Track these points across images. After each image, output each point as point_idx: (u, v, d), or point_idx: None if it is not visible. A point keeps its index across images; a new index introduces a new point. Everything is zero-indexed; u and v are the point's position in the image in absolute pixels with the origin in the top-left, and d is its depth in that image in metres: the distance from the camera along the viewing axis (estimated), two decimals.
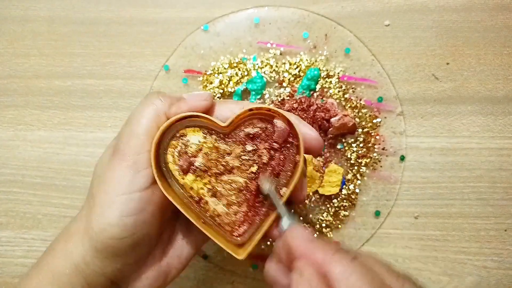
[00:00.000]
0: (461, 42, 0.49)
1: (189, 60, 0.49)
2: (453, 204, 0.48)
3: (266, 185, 0.31)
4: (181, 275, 0.49)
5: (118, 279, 0.32)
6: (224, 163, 0.32)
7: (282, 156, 0.31)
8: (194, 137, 0.31)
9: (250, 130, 0.32)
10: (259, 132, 0.32)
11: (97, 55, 0.50)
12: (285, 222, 0.29)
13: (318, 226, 0.48)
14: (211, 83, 0.48)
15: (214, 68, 0.49)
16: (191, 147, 0.31)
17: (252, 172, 0.32)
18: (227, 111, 0.32)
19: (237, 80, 0.48)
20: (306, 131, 0.31)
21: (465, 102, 0.49)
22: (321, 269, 0.24)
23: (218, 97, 0.48)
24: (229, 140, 0.32)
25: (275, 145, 0.31)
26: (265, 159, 0.31)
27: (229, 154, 0.32)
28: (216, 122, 0.31)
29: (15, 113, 0.51)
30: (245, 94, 0.49)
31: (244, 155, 0.32)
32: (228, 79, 0.48)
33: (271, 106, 0.30)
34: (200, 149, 0.31)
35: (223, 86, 0.48)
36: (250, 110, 0.30)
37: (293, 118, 0.30)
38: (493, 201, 0.48)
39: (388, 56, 0.49)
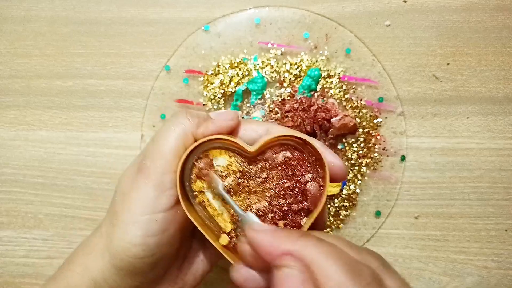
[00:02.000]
0: (461, 43, 0.49)
1: (190, 60, 0.49)
2: (454, 204, 0.48)
3: (218, 183, 0.30)
4: None
5: None
6: (247, 187, 0.31)
7: (306, 185, 0.31)
8: (220, 160, 0.31)
9: (276, 156, 0.31)
10: (286, 159, 0.31)
11: (98, 55, 0.50)
12: (245, 220, 0.29)
13: None
14: (212, 83, 0.48)
15: (215, 68, 0.49)
16: (216, 169, 0.31)
17: (274, 198, 0.31)
18: (251, 132, 0.32)
19: (238, 80, 0.48)
20: (332, 160, 0.30)
21: (465, 103, 0.49)
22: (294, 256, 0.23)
23: (218, 97, 0.48)
24: (254, 165, 0.31)
25: (300, 177, 0.31)
26: (288, 186, 0.31)
27: (253, 179, 0.31)
28: (243, 146, 0.30)
29: (16, 113, 0.51)
30: (246, 94, 0.49)
31: (268, 181, 0.31)
32: (229, 79, 0.48)
33: (299, 133, 0.30)
34: (225, 172, 0.31)
35: (223, 86, 0.48)
36: (278, 137, 0.30)
37: (320, 146, 0.29)
38: (493, 201, 0.48)
39: (389, 56, 0.49)
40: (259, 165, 0.31)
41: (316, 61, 0.48)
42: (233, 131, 0.31)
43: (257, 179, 0.31)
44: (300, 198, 0.31)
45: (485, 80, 0.49)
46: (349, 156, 0.48)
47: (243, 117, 0.48)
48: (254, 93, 0.48)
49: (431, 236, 0.49)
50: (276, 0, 0.49)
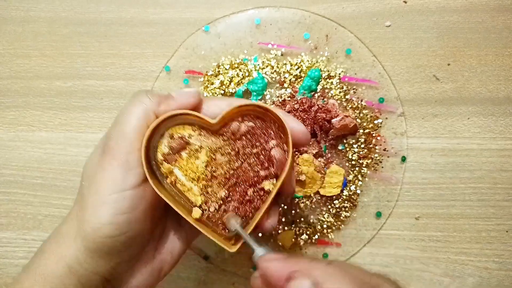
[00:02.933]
0: (462, 43, 0.49)
1: (190, 61, 0.49)
2: (454, 205, 0.48)
3: (233, 223, 0.31)
4: (182, 275, 0.49)
5: (112, 277, 0.31)
6: (214, 160, 0.32)
7: (271, 151, 0.32)
8: (184, 135, 0.31)
9: (239, 127, 0.32)
10: (249, 128, 0.32)
11: (98, 56, 0.50)
12: (258, 252, 0.29)
13: (319, 227, 0.48)
14: (212, 84, 0.48)
15: (215, 69, 0.49)
16: (189, 142, 0.31)
17: (241, 168, 0.32)
18: (214, 108, 0.32)
19: (238, 81, 0.48)
20: (294, 126, 0.31)
21: (466, 103, 0.49)
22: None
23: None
24: (219, 136, 0.32)
25: (265, 144, 0.32)
26: (254, 154, 0.32)
27: (218, 150, 0.32)
28: (206, 119, 0.30)
29: (15, 114, 0.51)
30: (246, 95, 0.49)
31: (233, 151, 0.32)
32: (229, 80, 0.48)
33: (259, 102, 0.31)
34: (190, 146, 0.32)
35: (224, 87, 0.48)
36: (239, 106, 0.31)
37: (280, 113, 0.30)
38: (494, 202, 0.48)
39: (389, 57, 0.49)
40: (224, 137, 0.32)
41: (317, 62, 0.48)
42: (195, 109, 0.32)
43: (221, 150, 0.32)
44: (266, 164, 0.32)
45: (486, 80, 0.49)
46: (350, 157, 0.48)
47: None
48: (255, 93, 0.48)
49: (431, 237, 0.48)
50: (276, 0, 0.49)
